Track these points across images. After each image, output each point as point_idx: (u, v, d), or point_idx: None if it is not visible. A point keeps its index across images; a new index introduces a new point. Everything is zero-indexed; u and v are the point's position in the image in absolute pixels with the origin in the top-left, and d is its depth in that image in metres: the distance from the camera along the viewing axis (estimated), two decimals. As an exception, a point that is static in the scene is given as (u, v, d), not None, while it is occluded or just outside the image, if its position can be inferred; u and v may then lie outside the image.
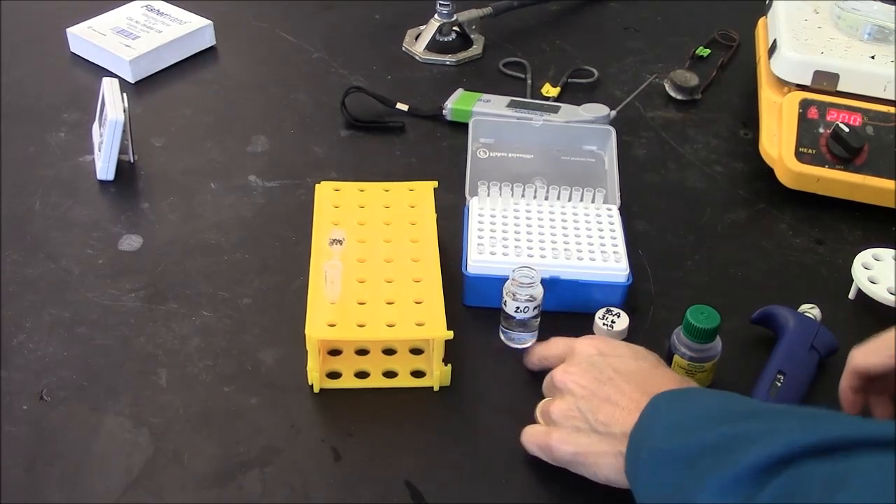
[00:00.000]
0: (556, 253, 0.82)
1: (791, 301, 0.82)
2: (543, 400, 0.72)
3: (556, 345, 0.75)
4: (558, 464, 0.68)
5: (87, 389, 0.76)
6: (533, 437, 0.70)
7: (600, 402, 0.65)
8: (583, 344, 0.71)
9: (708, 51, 1.22)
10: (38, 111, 1.07)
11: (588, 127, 1.00)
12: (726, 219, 0.96)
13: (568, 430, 0.67)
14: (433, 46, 1.20)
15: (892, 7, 1.01)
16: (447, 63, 1.19)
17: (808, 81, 0.98)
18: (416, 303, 0.77)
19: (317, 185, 0.88)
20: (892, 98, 0.96)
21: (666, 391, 0.63)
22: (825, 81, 0.97)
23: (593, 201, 0.89)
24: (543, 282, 0.79)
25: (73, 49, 1.18)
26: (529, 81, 1.15)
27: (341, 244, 0.80)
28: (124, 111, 0.95)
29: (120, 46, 1.13)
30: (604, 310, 0.82)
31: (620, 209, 0.89)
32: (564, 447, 0.66)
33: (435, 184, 0.89)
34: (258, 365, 0.78)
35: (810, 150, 0.95)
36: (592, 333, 0.82)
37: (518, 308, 0.78)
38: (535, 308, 0.78)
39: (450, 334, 0.74)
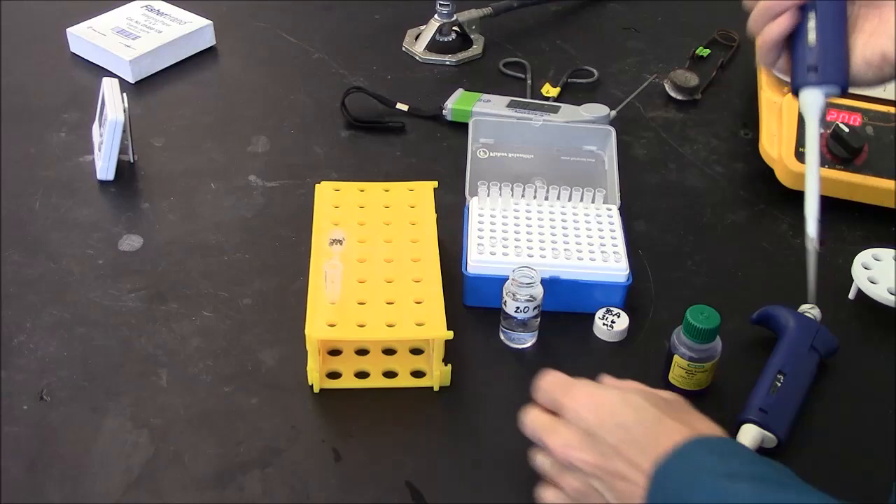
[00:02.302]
0: (556, 253, 0.82)
1: (791, 301, 0.82)
2: (546, 461, 0.66)
3: (548, 391, 0.67)
4: None
5: (87, 390, 0.76)
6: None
7: (612, 479, 0.60)
8: (574, 403, 0.64)
9: (708, 51, 1.22)
10: (38, 111, 1.07)
11: (588, 127, 1.00)
12: (726, 219, 0.96)
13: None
14: (433, 46, 1.20)
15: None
16: (447, 63, 1.19)
17: (808, 81, 0.98)
18: (416, 303, 0.77)
19: (317, 185, 0.88)
20: (892, 98, 0.96)
21: (668, 461, 0.59)
22: (825, 81, 0.96)
23: (593, 201, 0.89)
24: (543, 282, 0.79)
25: (73, 49, 1.18)
26: (529, 81, 1.15)
27: (341, 244, 0.80)
28: (124, 111, 0.95)
29: (120, 46, 1.13)
30: (604, 310, 0.82)
31: (620, 209, 0.89)
32: None
33: (435, 184, 0.89)
34: (258, 365, 0.78)
35: (810, 150, 0.95)
36: (592, 333, 0.82)
37: (518, 308, 0.78)
38: (535, 308, 0.78)
39: (450, 334, 0.74)
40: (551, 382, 0.67)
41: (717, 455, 0.58)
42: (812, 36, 0.66)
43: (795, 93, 0.69)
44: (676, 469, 0.58)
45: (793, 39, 0.68)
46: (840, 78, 0.66)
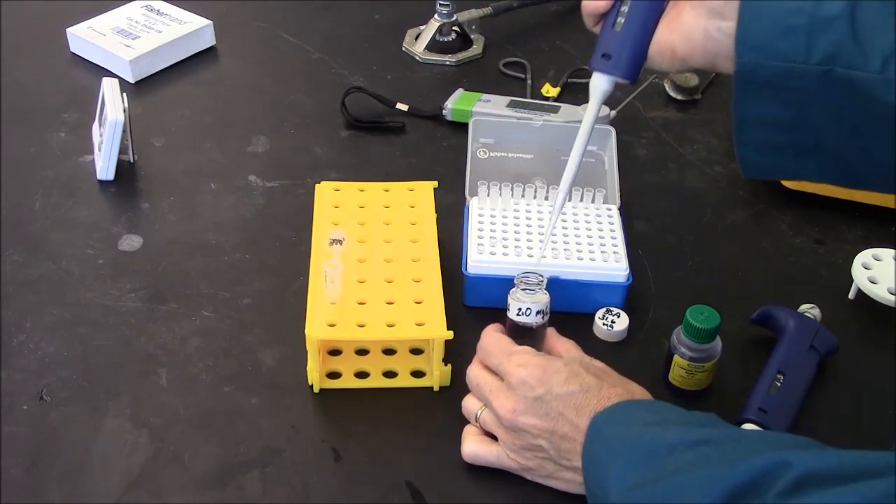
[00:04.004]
0: (556, 253, 0.82)
1: (791, 301, 0.82)
2: (482, 410, 0.71)
3: (491, 354, 0.72)
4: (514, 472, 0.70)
5: (87, 389, 0.76)
6: (488, 451, 0.70)
7: (559, 441, 0.66)
8: (520, 372, 0.68)
9: (708, 51, 1.21)
10: (38, 111, 1.07)
11: (588, 127, 1.00)
12: (726, 219, 0.96)
13: (530, 457, 0.68)
14: (433, 46, 1.20)
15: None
16: (447, 63, 1.19)
17: (807, 81, 0.97)
18: (416, 303, 0.77)
19: (317, 185, 0.88)
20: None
21: (604, 412, 0.64)
22: (825, 81, 0.97)
23: (593, 201, 0.89)
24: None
25: (73, 49, 1.18)
26: (529, 81, 1.15)
27: (341, 244, 0.80)
28: (124, 111, 0.95)
29: (120, 46, 1.13)
30: (604, 310, 0.82)
31: (620, 209, 0.89)
32: (537, 471, 0.68)
33: (435, 184, 0.89)
34: (258, 365, 0.78)
35: (810, 150, 0.95)
36: (592, 334, 0.82)
37: (520, 310, 0.76)
38: (537, 313, 0.76)
39: (450, 334, 0.74)
40: (494, 345, 0.72)
41: (647, 408, 0.64)
42: (620, 21, 0.67)
43: (590, 67, 0.69)
44: (611, 419, 0.63)
45: (605, 16, 0.68)
46: (630, 73, 0.67)
